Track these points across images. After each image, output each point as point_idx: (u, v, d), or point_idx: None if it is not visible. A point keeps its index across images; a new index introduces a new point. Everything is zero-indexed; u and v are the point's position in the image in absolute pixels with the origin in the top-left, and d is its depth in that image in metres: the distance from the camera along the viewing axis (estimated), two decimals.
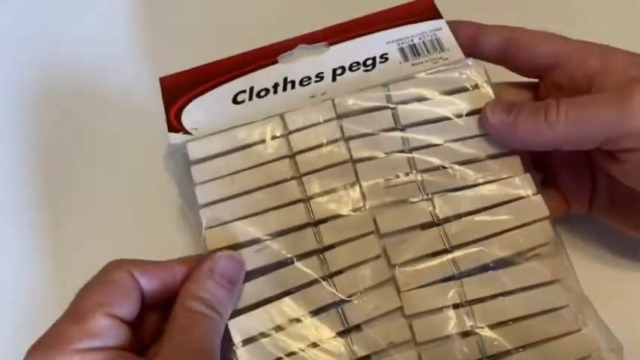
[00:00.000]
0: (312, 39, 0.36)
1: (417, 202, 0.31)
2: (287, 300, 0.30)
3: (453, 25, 0.33)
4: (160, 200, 0.38)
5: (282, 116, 0.33)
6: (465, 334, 0.29)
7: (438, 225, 0.31)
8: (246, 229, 0.31)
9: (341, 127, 0.33)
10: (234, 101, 0.34)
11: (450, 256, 0.30)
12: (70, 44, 0.46)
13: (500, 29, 0.32)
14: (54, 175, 0.41)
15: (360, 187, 0.32)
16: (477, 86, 0.33)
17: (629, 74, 0.29)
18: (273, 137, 0.33)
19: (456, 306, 0.30)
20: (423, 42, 0.35)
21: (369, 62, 0.35)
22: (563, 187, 0.34)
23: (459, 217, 0.31)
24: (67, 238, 0.39)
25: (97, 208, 0.40)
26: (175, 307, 0.28)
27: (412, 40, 0.35)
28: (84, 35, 0.47)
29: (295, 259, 0.30)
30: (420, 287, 0.30)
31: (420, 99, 0.33)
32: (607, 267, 0.35)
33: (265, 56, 0.36)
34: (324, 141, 0.32)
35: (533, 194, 0.31)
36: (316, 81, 0.34)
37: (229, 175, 0.32)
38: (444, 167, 0.32)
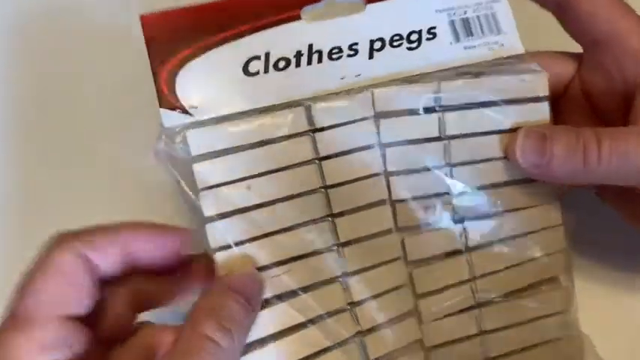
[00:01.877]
0: None
1: (449, 227, 0.29)
2: (306, 331, 0.27)
3: None
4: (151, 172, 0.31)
5: (307, 108, 0.27)
6: None
7: (463, 253, 0.29)
8: (261, 250, 0.26)
9: (378, 129, 0.27)
10: (246, 71, 0.27)
11: (472, 285, 0.29)
12: None
13: None
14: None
15: (392, 206, 0.28)
16: (536, 99, 0.28)
17: None
18: (297, 134, 0.27)
19: (472, 336, 0.29)
20: (478, 17, 0.29)
21: (414, 37, 0.28)
22: None
23: (485, 246, 0.29)
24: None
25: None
26: (185, 328, 0.24)
27: (465, 12, 0.29)
28: None
29: (316, 287, 0.27)
30: (440, 319, 0.29)
31: (472, 106, 0.28)
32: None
33: (285, 5, 0.27)
34: (357, 146, 0.27)
35: (558, 225, 0.30)
36: (349, 55, 0.28)
37: (243, 179, 0.26)
38: (482, 188, 0.29)
